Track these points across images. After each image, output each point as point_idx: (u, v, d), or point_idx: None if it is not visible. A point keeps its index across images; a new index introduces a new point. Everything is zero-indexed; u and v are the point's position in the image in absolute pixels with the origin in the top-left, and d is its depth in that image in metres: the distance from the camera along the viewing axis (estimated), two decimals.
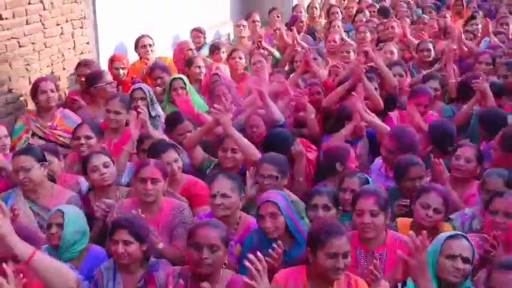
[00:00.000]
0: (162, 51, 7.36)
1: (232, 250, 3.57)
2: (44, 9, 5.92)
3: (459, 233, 3.45)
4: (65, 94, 6.12)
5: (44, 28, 5.95)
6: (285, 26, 9.00)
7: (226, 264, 3.35)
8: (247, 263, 2.85)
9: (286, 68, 7.47)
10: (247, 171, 4.42)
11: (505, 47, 7.31)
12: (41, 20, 5.89)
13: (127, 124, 5.14)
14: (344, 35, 8.42)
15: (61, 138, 5.24)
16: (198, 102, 5.87)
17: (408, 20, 9.06)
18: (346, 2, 10.90)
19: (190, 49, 7.22)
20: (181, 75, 6.15)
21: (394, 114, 5.68)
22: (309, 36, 8.70)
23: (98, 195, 4.29)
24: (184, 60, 6.87)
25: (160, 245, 3.78)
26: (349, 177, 4.25)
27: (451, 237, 3.29)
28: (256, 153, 4.59)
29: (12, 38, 5.50)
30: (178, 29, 8.09)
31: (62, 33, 6.22)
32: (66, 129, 5.23)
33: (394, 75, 6.32)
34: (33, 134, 5.24)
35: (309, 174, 4.97)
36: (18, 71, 5.63)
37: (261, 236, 3.69)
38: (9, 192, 4.17)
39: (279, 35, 8.36)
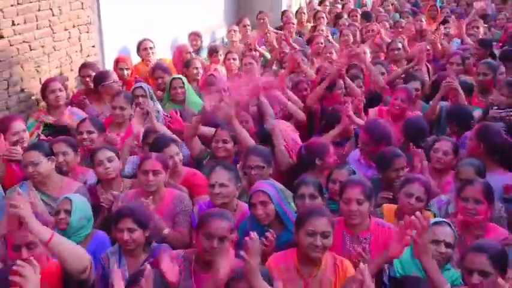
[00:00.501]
0: (162, 53, 7.33)
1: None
2: (53, 15, 5.91)
3: (443, 220, 3.47)
4: (73, 93, 6.10)
5: (53, 33, 5.94)
6: (277, 29, 9.01)
7: None
8: (246, 238, 2.85)
9: (274, 67, 7.44)
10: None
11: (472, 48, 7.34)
12: (50, 26, 5.88)
13: (130, 119, 5.15)
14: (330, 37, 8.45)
15: None
16: (195, 100, 5.86)
17: (387, 24, 9.09)
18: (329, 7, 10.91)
19: (189, 52, 7.20)
20: (181, 76, 6.13)
21: (373, 111, 5.66)
22: (300, 38, 8.69)
23: (105, 187, 4.28)
24: (183, 62, 6.84)
25: (166, 231, 3.80)
26: (338, 169, 4.27)
27: (436, 223, 3.32)
28: (253, 143, 4.68)
29: (23, 41, 5.50)
30: (176, 32, 8.05)
31: (69, 38, 6.20)
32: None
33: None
34: (45, 126, 5.21)
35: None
36: (30, 72, 5.62)
37: (254, 223, 3.69)
38: (21, 184, 4.16)
39: (269, 37, 8.35)
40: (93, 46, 6.61)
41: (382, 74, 6.42)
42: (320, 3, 11.26)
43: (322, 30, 8.62)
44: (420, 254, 2.85)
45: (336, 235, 3.31)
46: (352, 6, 10.70)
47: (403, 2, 11.49)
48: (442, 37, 7.77)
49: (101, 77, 5.78)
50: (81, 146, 4.72)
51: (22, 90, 5.54)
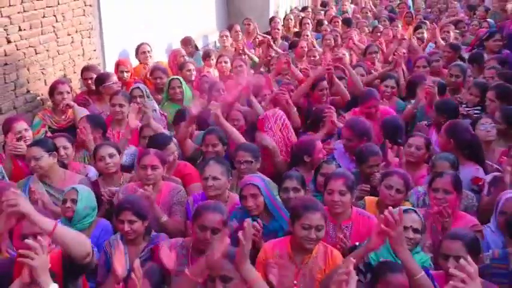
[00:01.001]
0: (158, 56, 7.29)
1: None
2: (57, 21, 5.86)
3: (411, 208, 3.47)
4: (76, 94, 6.06)
5: (57, 38, 5.89)
6: (266, 33, 9.00)
7: None
8: (245, 224, 2.82)
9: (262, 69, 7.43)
10: None
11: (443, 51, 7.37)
12: (54, 31, 5.82)
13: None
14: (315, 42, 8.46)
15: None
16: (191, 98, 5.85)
17: (367, 29, 9.10)
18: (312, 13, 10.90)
19: (183, 56, 7.16)
20: (179, 76, 6.11)
21: (348, 114, 5.60)
22: (285, 42, 8.70)
23: (106, 181, 4.28)
24: (177, 65, 6.83)
25: (164, 218, 3.82)
26: (326, 164, 4.28)
27: (403, 212, 3.30)
28: (241, 138, 4.69)
29: (29, 46, 5.44)
30: (171, 37, 8.02)
31: (72, 42, 6.15)
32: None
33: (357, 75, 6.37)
34: (50, 128, 5.19)
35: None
36: (35, 74, 5.58)
37: (244, 213, 3.68)
38: (28, 178, 4.17)
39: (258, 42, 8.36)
40: (95, 50, 6.57)
41: (362, 75, 6.42)
42: (303, 10, 11.26)
43: (307, 35, 8.62)
44: (395, 246, 2.84)
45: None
46: (334, 14, 10.68)
47: (381, 9, 11.51)
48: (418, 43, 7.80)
49: (102, 79, 5.76)
50: (76, 141, 4.70)
51: (28, 92, 5.49)
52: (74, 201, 3.65)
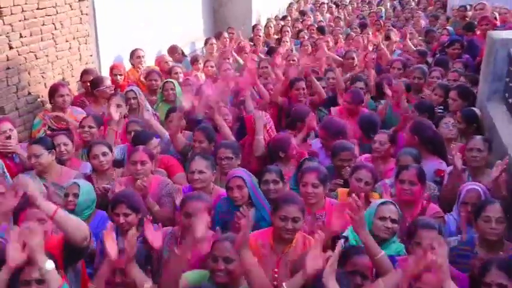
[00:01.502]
0: (148, 61, 7.24)
1: None
2: (56, 29, 5.81)
3: (389, 200, 3.49)
4: (73, 96, 6.01)
5: (56, 44, 5.83)
6: (249, 40, 9.01)
7: None
8: (248, 212, 2.90)
9: None
10: None
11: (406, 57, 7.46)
12: (53, 38, 5.77)
13: (125, 116, 5.11)
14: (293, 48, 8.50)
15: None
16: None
17: (341, 37, 9.14)
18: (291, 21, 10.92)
19: (166, 62, 7.13)
20: (172, 80, 6.09)
21: (334, 110, 5.67)
22: (265, 48, 8.71)
23: (99, 176, 4.23)
24: (162, 70, 6.82)
25: (156, 207, 3.83)
26: (309, 161, 4.27)
27: (382, 203, 3.34)
28: (230, 136, 4.71)
29: (30, 52, 5.39)
30: (162, 44, 7.97)
31: (70, 48, 6.10)
32: (74, 119, 5.16)
33: (329, 79, 6.43)
34: (49, 128, 5.15)
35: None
36: (36, 78, 5.53)
37: (230, 203, 3.72)
38: (26, 173, 4.15)
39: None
40: (91, 55, 6.52)
41: (333, 79, 6.45)
42: (283, 19, 11.28)
43: (286, 42, 8.66)
44: (358, 229, 2.88)
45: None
46: (310, 22, 10.72)
47: (353, 19, 11.58)
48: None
49: (96, 83, 5.73)
50: (81, 139, 4.69)
51: (29, 94, 5.44)
52: (76, 195, 3.64)
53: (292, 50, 8.18)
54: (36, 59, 5.51)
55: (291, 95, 5.81)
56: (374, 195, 3.81)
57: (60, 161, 4.31)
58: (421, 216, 3.42)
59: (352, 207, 2.84)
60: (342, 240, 2.84)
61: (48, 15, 5.66)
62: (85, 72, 6.05)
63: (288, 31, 9.30)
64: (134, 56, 6.82)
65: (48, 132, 5.06)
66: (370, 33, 8.90)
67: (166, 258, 3.20)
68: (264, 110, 5.41)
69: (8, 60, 5.07)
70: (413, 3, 13.04)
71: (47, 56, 5.69)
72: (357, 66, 7.07)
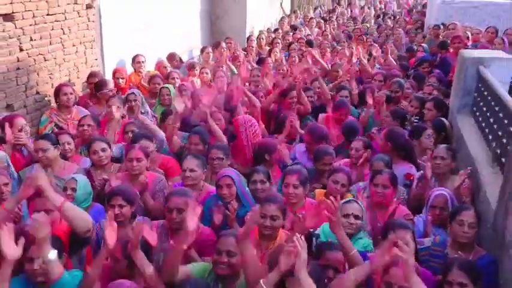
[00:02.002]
0: (149, 67, 7.23)
1: None
2: (64, 33, 5.79)
3: (352, 198, 3.51)
4: (79, 96, 6.00)
5: (64, 48, 5.81)
6: (243, 50, 9.01)
7: None
8: (254, 209, 2.86)
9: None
10: None
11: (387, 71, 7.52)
12: (61, 42, 5.75)
13: (123, 117, 5.10)
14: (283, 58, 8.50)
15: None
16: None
17: (328, 49, 9.13)
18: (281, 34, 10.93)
19: (165, 67, 7.11)
20: (168, 85, 6.06)
21: (322, 116, 5.68)
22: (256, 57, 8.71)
23: (98, 170, 4.21)
24: (163, 74, 6.79)
25: (151, 202, 3.84)
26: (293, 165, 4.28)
27: (346, 202, 3.36)
28: (223, 138, 4.71)
29: (39, 54, 5.37)
30: (162, 51, 7.94)
31: (76, 52, 6.08)
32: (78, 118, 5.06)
33: (315, 88, 6.43)
34: (56, 125, 5.12)
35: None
36: (44, 78, 5.50)
37: (218, 200, 3.72)
38: (32, 166, 4.15)
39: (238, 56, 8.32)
40: (96, 59, 6.49)
41: (318, 88, 6.47)
42: (274, 31, 11.29)
43: (276, 52, 8.67)
44: (334, 228, 2.89)
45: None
46: (300, 36, 10.73)
47: (339, 33, 11.61)
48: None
49: (100, 85, 5.69)
50: (80, 136, 4.67)
51: (37, 93, 5.41)
52: (74, 189, 3.61)
53: (282, 61, 8.17)
54: (45, 61, 5.49)
55: (284, 103, 5.79)
56: (348, 195, 3.83)
57: (64, 157, 4.30)
58: (396, 218, 3.43)
59: (329, 208, 2.84)
60: (315, 238, 2.84)
61: (57, 21, 5.64)
62: (91, 75, 6.03)
63: (278, 43, 9.30)
64: (135, 61, 6.80)
65: (55, 129, 5.04)
66: (354, 47, 8.92)
67: (156, 252, 3.18)
68: (253, 115, 5.42)
69: (18, 61, 5.05)
70: (389, 21, 13.08)
71: (55, 58, 5.66)
72: (340, 77, 7.09)
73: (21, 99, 5.15)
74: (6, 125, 4.20)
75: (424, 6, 14.65)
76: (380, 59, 8.26)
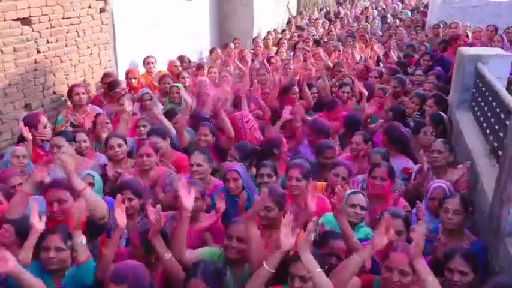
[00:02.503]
0: (160, 67, 7.29)
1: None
2: (78, 36, 5.88)
3: (357, 190, 3.53)
4: (93, 96, 6.07)
5: (78, 50, 5.90)
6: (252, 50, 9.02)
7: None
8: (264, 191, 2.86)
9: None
10: None
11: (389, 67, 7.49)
12: (76, 44, 5.84)
13: (134, 114, 5.14)
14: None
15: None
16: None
17: (333, 49, 9.09)
18: (289, 34, 10.93)
19: (176, 66, 7.14)
20: (178, 84, 6.09)
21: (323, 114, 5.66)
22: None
23: (114, 165, 4.25)
24: (174, 73, 6.85)
25: (161, 195, 3.85)
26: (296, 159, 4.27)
27: (353, 193, 3.39)
28: (232, 131, 4.71)
29: (55, 56, 5.46)
30: (174, 52, 8.01)
31: (91, 54, 6.16)
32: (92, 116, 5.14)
33: (318, 85, 6.44)
34: (71, 124, 5.16)
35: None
36: (60, 79, 5.59)
37: (226, 193, 3.74)
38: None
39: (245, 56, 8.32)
40: (109, 60, 6.57)
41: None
42: (282, 32, 11.29)
43: (282, 52, 8.67)
44: (338, 216, 2.93)
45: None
46: (305, 35, 10.71)
47: (342, 33, 11.58)
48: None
49: (113, 85, 5.75)
50: (95, 133, 4.72)
51: (54, 93, 5.50)
52: (91, 184, 3.64)
53: (289, 61, 8.15)
54: (61, 62, 5.57)
55: (288, 99, 5.80)
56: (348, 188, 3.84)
57: (80, 154, 4.33)
58: (389, 208, 3.45)
59: (336, 198, 2.87)
60: (315, 220, 2.84)
61: (72, 24, 5.72)
62: (105, 75, 6.10)
63: (284, 43, 9.29)
64: (146, 62, 6.87)
65: (70, 128, 5.10)
66: (357, 46, 8.90)
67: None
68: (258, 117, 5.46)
69: (35, 62, 5.13)
70: (397, 21, 13.00)
71: (70, 60, 5.74)
72: (343, 74, 7.10)
73: (39, 99, 5.24)
74: (22, 124, 4.26)
75: (426, 6, 14.52)
76: (383, 58, 8.21)
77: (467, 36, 8.52)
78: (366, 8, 16.52)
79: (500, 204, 3.10)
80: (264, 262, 2.60)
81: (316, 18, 13.49)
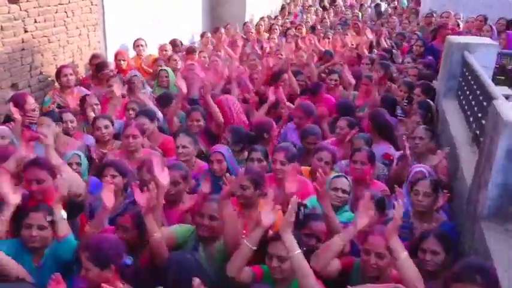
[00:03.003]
0: (150, 50, 7.23)
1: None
2: (67, 16, 5.83)
3: (341, 174, 3.56)
4: (82, 77, 6.04)
5: (67, 30, 5.85)
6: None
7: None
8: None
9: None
10: None
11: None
12: (64, 24, 5.79)
13: (124, 96, 5.14)
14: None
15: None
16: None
17: (322, 35, 9.06)
18: (281, 21, 10.88)
19: (166, 50, 7.09)
20: (166, 68, 6.10)
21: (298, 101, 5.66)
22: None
23: (101, 146, 4.24)
24: (164, 56, 6.83)
25: (148, 178, 3.81)
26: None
27: (336, 176, 3.43)
28: (220, 116, 4.72)
29: (43, 36, 5.42)
30: (163, 36, 7.93)
31: (80, 34, 6.12)
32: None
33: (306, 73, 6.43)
34: (58, 105, 5.13)
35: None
36: (48, 59, 5.55)
37: (210, 175, 3.75)
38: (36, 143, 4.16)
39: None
40: (99, 42, 6.53)
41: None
42: (274, 18, 11.24)
43: (274, 38, 8.65)
44: (321, 199, 2.95)
45: (268, 186, 3.34)
46: (298, 22, 10.68)
47: (335, 20, 11.54)
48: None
49: (101, 66, 5.73)
50: (85, 114, 4.70)
51: (41, 73, 5.47)
52: (79, 164, 3.67)
53: (280, 46, 8.10)
54: (49, 42, 5.53)
55: (278, 85, 5.78)
56: (332, 173, 3.86)
57: (67, 135, 4.34)
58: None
59: (318, 182, 2.90)
60: (294, 199, 2.86)
61: (61, 4, 5.67)
62: (93, 56, 6.07)
63: (276, 29, 9.27)
64: (135, 45, 6.84)
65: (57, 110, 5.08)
66: (349, 34, 8.88)
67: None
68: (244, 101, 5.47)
69: (23, 42, 5.09)
70: (389, 10, 12.99)
71: (58, 40, 5.70)
72: (333, 61, 7.10)
73: (26, 79, 5.21)
74: (11, 104, 4.23)
75: None
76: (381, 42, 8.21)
77: (458, 25, 8.54)
78: None
79: (478, 189, 3.14)
80: (245, 240, 2.63)
81: (310, 5, 13.44)
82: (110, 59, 6.49)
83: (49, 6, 5.44)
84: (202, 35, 8.35)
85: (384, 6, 13.84)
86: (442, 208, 3.53)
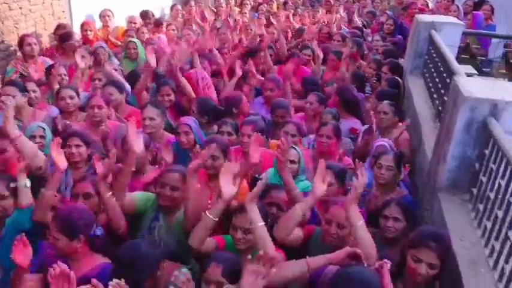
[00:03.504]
0: (120, 23, 7.06)
1: None
2: None
3: (292, 146, 3.50)
4: (45, 48, 5.86)
5: None
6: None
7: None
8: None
9: None
10: None
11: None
12: None
13: (90, 67, 5.03)
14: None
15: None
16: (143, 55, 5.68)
17: (292, 11, 9.01)
18: None
19: (134, 23, 6.93)
20: (135, 40, 5.97)
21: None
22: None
23: (66, 117, 4.14)
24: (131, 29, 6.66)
25: (113, 150, 3.74)
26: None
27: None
28: (192, 92, 4.69)
29: (3, 3, 5.24)
30: (131, 8, 7.73)
31: (43, 3, 5.92)
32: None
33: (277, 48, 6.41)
34: (21, 75, 4.99)
35: None
36: (9, 28, 5.35)
37: (178, 147, 3.76)
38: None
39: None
40: (63, 11, 6.34)
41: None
42: None
43: (245, 13, 8.57)
44: (280, 169, 2.98)
45: (236, 159, 3.31)
46: None
47: None
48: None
49: (65, 37, 5.56)
50: (51, 85, 4.57)
51: (2, 42, 5.28)
52: (42, 137, 3.58)
53: (250, 21, 8.05)
54: (10, 10, 5.34)
55: (254, 62, 5.67)
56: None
57: (30, 105, 4.21)
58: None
59: (280, 151, 2.92)
60: (264, 178, 2.91)
61: None
62: (58, 27, 5.90)
63: (247, 3, 9.18)
64: (101, 15, 6.67)
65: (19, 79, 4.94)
66: (320, 11, 8.89)
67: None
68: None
69: None
70: None
71: (20, 8, 5.50)
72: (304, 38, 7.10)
73: None
74: None
75: None
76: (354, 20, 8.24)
77: (427, 5, 8.64)
78: None
79: (437, 162, 3.25)
80: (206, 211, 2.64)
81: None
82: (76, 29, 6.31)
83: None
84: (172, 8, 8.17)
85: None
86: (403, 181, 3.63)
